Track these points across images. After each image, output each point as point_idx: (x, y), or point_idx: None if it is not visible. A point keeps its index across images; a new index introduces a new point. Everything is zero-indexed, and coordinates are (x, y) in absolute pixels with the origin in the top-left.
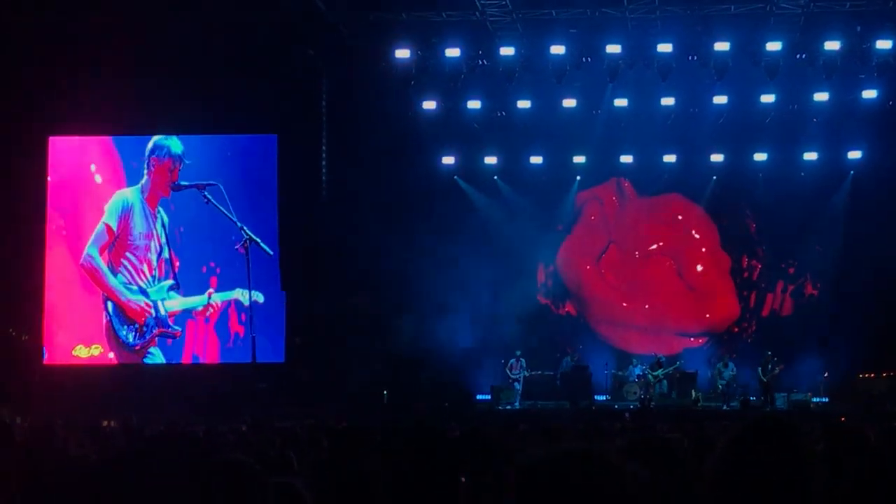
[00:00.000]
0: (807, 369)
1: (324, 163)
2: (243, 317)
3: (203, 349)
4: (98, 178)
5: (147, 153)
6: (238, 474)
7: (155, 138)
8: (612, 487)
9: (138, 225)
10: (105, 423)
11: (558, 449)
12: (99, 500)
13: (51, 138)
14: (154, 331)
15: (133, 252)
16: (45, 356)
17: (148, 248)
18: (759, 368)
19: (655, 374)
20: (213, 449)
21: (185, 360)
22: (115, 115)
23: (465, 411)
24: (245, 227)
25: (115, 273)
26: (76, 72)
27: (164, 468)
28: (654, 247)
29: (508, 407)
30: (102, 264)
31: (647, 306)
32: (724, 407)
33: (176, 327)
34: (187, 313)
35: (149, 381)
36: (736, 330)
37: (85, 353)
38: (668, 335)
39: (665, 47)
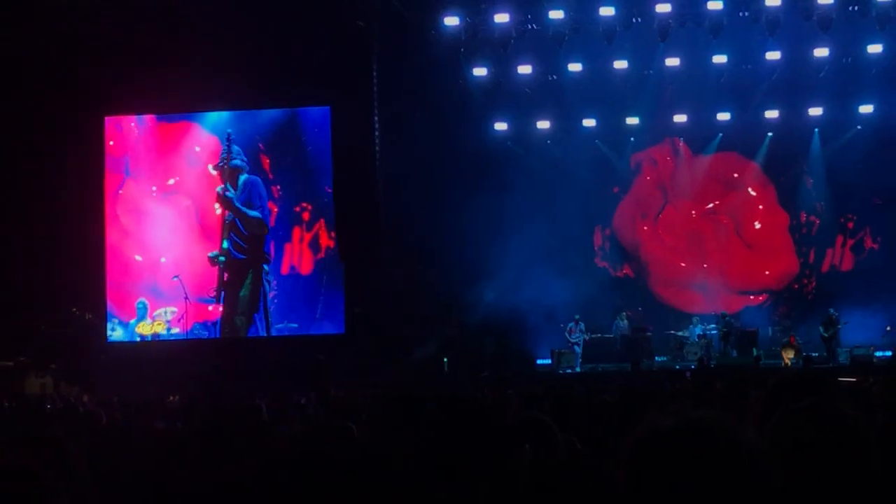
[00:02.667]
0: (868, 324)
1: (377, 133)
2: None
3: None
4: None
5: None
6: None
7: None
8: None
9: None
10: (170, 398)
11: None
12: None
13: (107, 118)
14: None
15: None
16: (109, 334)
17: None
18: (821, 326)
19: (723, 323)
20: (275, 422)
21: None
22: (170, 94)
23: (526, 377)
24: None
25: None
26: (131, 51)
27: (231, 442)
28: (711, 206)
29: (569, 371)
30: None
31: (705, 265)
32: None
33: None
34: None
35: (210, 356)
36: (796, 287)
37: (148, 329)
38: (728, 294)
39: (715, 5)
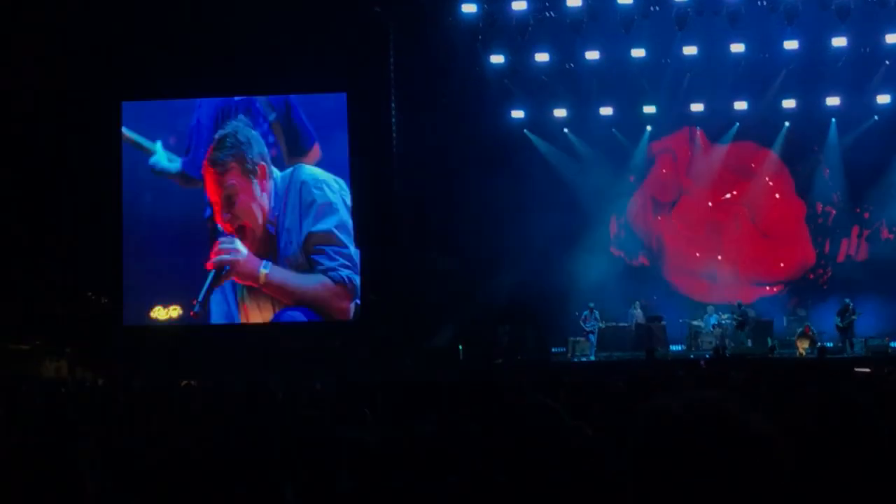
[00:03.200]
0: (884, 314)
1: (394, 120)
2: None
3: None
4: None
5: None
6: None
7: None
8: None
9: None
10: (184, 382)
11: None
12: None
13: (124, 103)
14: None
15: None
16: (124, 318)
17: None
18: (837, 316)
19: (739, 312)
20: (290, 407)
21: None
22: (186, 79)
23: (540, 365)
24: None
25: None
26: (147, 37)
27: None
28: (728, 195)
29: (584, 359)
30: None
31: (720, 255)
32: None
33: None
34: None
35: (225, 342)
36: (811, 276)
37: (163, 314)
38: (743, 283)
39: None
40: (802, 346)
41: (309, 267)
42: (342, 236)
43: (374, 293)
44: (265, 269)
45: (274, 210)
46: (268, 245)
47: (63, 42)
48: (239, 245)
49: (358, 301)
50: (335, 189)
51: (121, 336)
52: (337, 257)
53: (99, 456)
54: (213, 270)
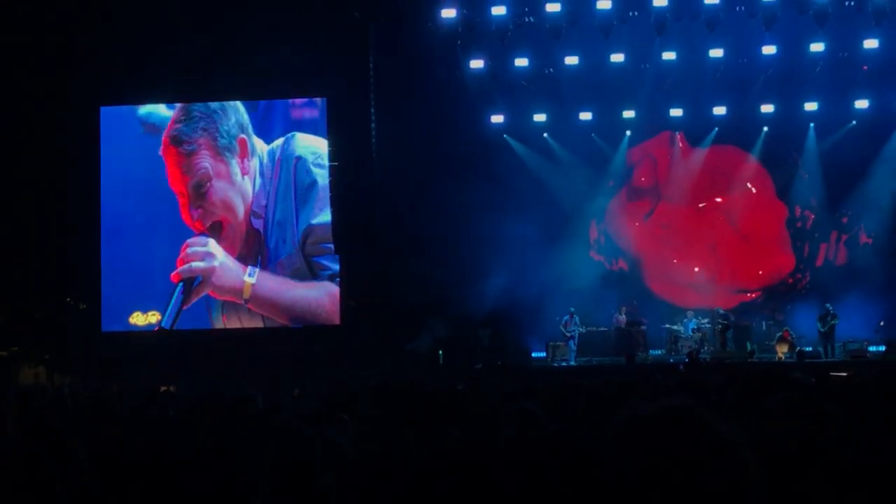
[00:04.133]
0: (862, 318)
1: (373, 125)
2: None
3: None
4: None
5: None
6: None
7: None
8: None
9: None
10: (164, 388)
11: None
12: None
13: (102, 108)
14: None
15: None
16: (103, 324)
17: None
18: (818, 321)
19: (717, 325)
20: (270, 413)
21: None
22: (164, 84)
23: (520, 369)
24: None
25: None
26: (125, 41)
27: (225, 431)
28: (707, 200)
29: (564, 364)
30: None
31: (700, 259)
32: (781, 358)
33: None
34: None
35: (205, 347)
36: (790, 281)
37: (142, 320)
38: (723, 288)
39: None
40: (781, 350)
41: (309, 271)
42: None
43: (354, 298)
44: (250, 278)
45: (260, 198)
46: (254, 245)
47: (42, 48)
48: (214, 248)
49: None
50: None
51: (99, 342)
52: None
53: (84, 462)
54: (181, 283)
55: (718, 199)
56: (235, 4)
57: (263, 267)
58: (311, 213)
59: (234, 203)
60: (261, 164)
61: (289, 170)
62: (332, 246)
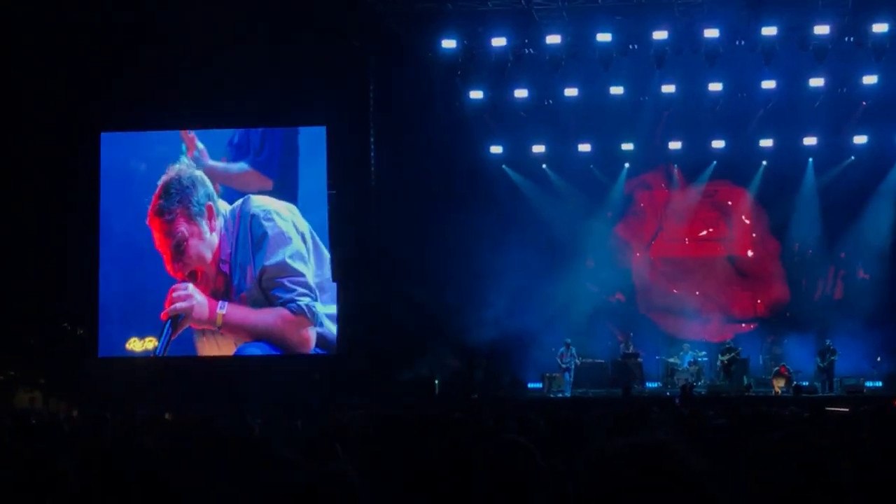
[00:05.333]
0: (859, 354)
1: (372, 154)
2: None
3: None
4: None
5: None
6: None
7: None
8: (681, 480)
9: None
10: (166, 416)
11: (629, 441)
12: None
13: (102, 133)
14: None
15: None
16: (100, 350)
17: None
18: (818, 356)
19: (723, 358)
20: (265, 445)
21: None
22: (165, 111)
23: (517, 400)
24: None
25: None
26: (127, 68)
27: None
28: (704, 233)
29: (559, 395)
30: None
31: (697, 292)
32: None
33: None
34: None
35: (204, 373)
36: (788, 315)
37: (139, 346)
38: (720, 321)
39: (712, 32)
40: (778, 385)
41: (266, 301)
42: (297, 265)
43: (352, 326)
44: (221, 311)
45: (225, 248)
46: (222, 284)
47: (43, 72)
48: (193, 290)
49: (319, 328)
50: (286, 217)
51: (95, 368)
52: (294, 287)
53: (77, 490)
54: (169, 320)
55: (713, 232)
56: (236, 33)
57: (231, 300)
58: (263, 257)
59: (205, 255)
60: (224, 221)
61: (246, 225)
62: (281, 279)
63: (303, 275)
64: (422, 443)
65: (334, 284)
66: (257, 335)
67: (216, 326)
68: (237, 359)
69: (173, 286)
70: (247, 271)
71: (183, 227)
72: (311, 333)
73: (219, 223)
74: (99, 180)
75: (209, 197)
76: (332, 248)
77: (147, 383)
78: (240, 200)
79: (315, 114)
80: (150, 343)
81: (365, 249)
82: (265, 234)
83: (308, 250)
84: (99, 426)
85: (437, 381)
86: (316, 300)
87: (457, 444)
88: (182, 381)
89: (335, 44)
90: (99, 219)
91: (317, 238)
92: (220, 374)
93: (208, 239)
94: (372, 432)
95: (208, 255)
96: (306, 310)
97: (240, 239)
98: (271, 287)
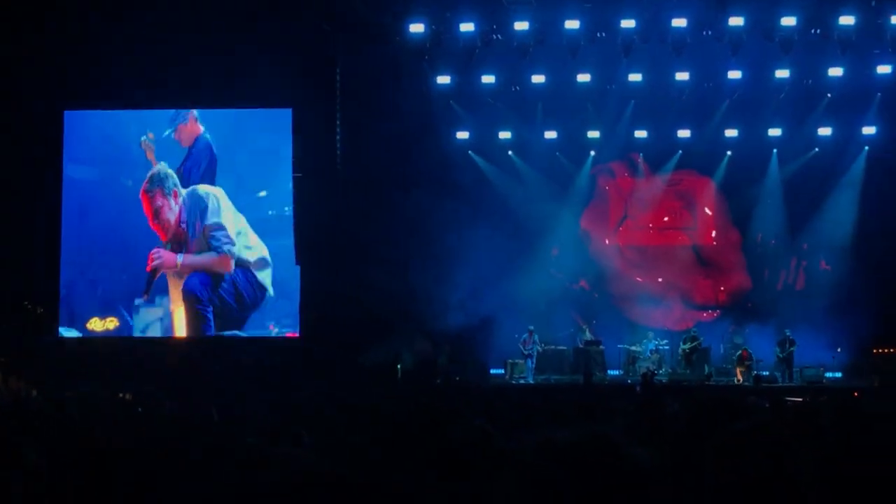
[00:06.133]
0: (820, 344)
1: (338, 137)
2: None
3: None
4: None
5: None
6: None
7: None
8: (618, 469)
9: None
10: (120, 395)
11: (569, 433)
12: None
13: (66, 112)
14: None
15: None
16: (60, 329)
17: None
18: (778, 347)
19: (685, 347)
20: (225, 428)
21: None
22: (130, 90)
23: (479, 386)
24: None
25: None
26: (91, 45)
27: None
28: (667, 220)
29: (521, 381)
30: None
31: (660, 280)
32: (736, 382)
33: None
34: None
35: (163, 355)
36: (749, 305)
37: (100, 325)
38: (682, 309)
39: (679, 22)
40: (740, 370)
41: (207, 247)
42: (226, 223)
43: (315, 311)
44: (180, 259)
45: (183, 215)
46: (182, 239)
47: (4, 50)
48: (162, 251)
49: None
50: (217, 196)
51: (55, 347)
52: (221, 238)
53: (41, 470)
54: (152, 271)
55: (677, 221)
56: (202, 14)
57: (187, 251)
58: (203, 219)
59: (171, 219)
60: (183, 199)
61: (195, 202)
62: (213, 233)
63: (226, 229)
64: (384, 429)
65: (297, 267)
66: (200, 269)
67: (177, 268)
68: (197, 339)
69: (152, 251)
70: (195, 230)
71: (160, 201)
72: (232, 265)
73: (180, 200)
74: (61, 158)
75: (176, 185)
76: (296, 231)
77: (106, 364)
78: (191, 188)
79: (281, 96)
80: (111, 323)
81: (329, 233)
82: (206, 206)
83: (231, 217)
84: (61, 406)
85: (399, 367)
86: (234, 245)
87: (419, 429)
88: (140, 362)
89: (303, 26)
90: (62, 197)
91: (233, 208)
92: (179, 356)
93: (174, 208)
94: (333, 418)
95: (172, 219)
96: (228, 252)
97: (191, 209)
98: (209, 238)
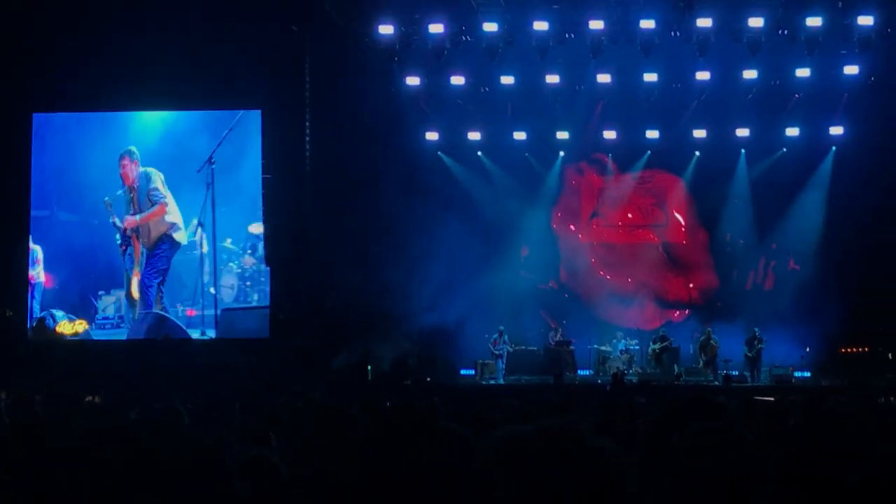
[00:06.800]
0: (789, 344)
1: (307, 138)
2: None
3: None
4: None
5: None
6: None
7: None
8: (586, 462)
9: None
10: (88, 398)
11: (534, 425)
12: (81, 481)
13: (35, 115)
14: None
15: None
16: (30, 332)
17: None
18: (746, 346)
19: (655, 347)
20: (195, 428)
21: None
22: (99, 92)
23: (448, 386)
24: None
25: None
26: (60, 47)
27: (147, 448)
28: (637, 221)
29: (492, 382)
30: None
31: (629, 280)
32: (707, 381)
33: None
34: None
35: (132, 357)
36: (718, 304)
37: (69, 329)
38: (651, 309)
39: (648, 23)
40: (703, 358)
41: (150, 205)
42: (160, 188)
43: (284, 312)
44: (135, 217)
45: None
46: (137, 203)
47: None
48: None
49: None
50: (157, 175)
51: (25, 349)
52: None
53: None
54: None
55: (646, 221)
56: (173, 15)
57: (140, 212)
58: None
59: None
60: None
61: (145, 179)
62: (156, 199)
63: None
64: (356, 431)
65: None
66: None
67: (137, 225)
68: (166, 341)
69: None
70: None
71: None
72: (166, 213)
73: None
74: (30, 161)
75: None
76: (266, 234)
77: (75, 366)
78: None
79: (251, 97)
80: (80, 326)
81: (299, 234)
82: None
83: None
84: (29, 409)
85: (370, 367)
86: (168, 203)
87: (393, 433)
88: (109, 364)
89: (272, 27)
90: (30, 200)
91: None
92: (148, 359)
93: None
94: (303, 419)
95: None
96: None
97: (142, 183)
98: (149, 196)
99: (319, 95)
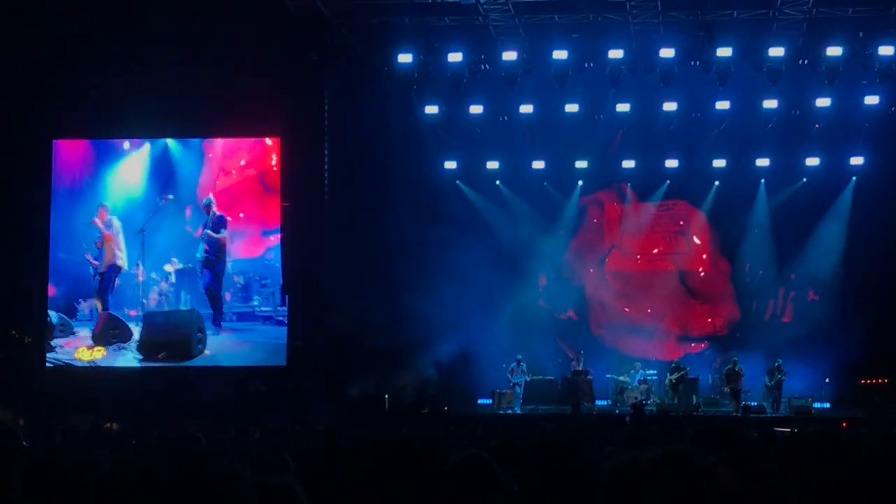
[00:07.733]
0: (808, 374)
1: (326, 167)
2: None
3: None
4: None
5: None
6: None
7: None
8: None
9: None
10: (107, 425)
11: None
12: None
13: (55, 141)
14: None
15: None
16: (48, 359)
17: None
18: (766, 375)
19: (672, 377)
20: (213, 454)
21: None
22: (119, 119)
23: (466, 416)
24: None
25: None
26: (80, 75)
27: (166, 476)
28: (656, 251)
29: (509, 411)
30: None
31: (648, 310)
32: (725, 412)
33: None
34: None
35: (150, 385)
36: (738, 335)
37: (87, 355)
38: (670, 340)
39: (667, 52)
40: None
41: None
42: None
43: (301, 340)
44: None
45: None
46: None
47: None
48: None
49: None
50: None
51: (44, 377)
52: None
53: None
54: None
55: (665, 251)
56: (191, 45)
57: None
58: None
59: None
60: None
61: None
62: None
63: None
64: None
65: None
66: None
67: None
68: (183, 369)
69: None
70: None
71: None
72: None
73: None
74: (51, 186)
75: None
76: (284, 261)
77: (93, 393)
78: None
79: (270, 125)
80: (98, 353)
81: (318, 263)
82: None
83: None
84: (47, 436)
85: (387, 396)
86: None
87: (412, 462)
88: (126, 391)
89: (291, 56)
90: (50, 225)
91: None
92: (165, 386)
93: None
94: (325, 449)
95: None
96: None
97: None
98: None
99: (338, 123)
